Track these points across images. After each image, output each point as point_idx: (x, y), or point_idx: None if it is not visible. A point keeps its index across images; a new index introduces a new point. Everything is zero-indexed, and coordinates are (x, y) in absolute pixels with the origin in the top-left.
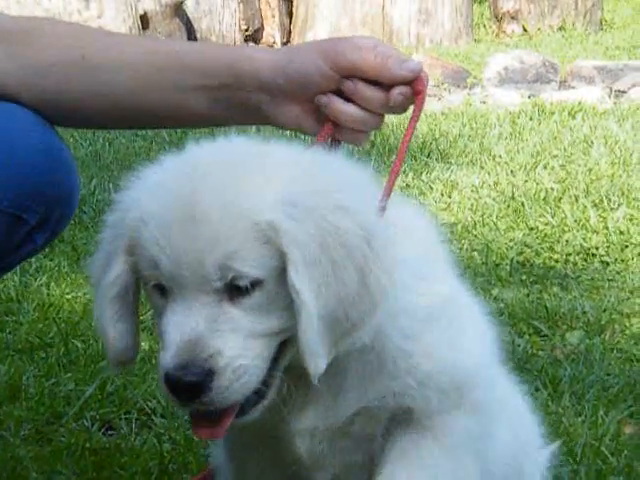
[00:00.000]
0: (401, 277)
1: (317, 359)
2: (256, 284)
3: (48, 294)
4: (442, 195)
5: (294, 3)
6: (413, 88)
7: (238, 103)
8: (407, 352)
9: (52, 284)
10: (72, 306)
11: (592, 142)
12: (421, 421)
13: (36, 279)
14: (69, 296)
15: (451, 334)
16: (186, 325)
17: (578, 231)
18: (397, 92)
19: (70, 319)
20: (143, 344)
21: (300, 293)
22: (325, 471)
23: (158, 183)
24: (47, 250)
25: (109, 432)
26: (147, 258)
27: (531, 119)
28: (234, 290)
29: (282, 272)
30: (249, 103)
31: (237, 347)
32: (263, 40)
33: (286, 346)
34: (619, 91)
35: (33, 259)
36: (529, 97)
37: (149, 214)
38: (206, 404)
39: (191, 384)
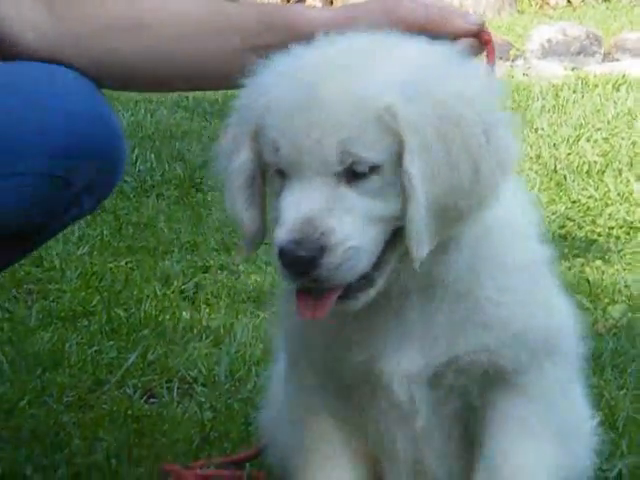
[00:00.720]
0: (503, 234)
1: (421, 245)
2: (374, 169)
3: (91, 263)
4: None
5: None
6: (480, 39)
7: (268, 49)
8: (502, 304)
9: (95, 253)
10: (114, 275)
11: (636, 115)
12: (514, 381)
13: (79, 248)
14: (111, 265)
15: (545, 292)
16: (303, 204)
17: (621, 204)
18: (467, 44)
19: (112, 288)
20: (184, 313)
21: (412, 178)
22: (419, 419)
23: (284, 71)
24: (89, 219)
25: (150, 400)
26: (269, 143)
27: (574, 92)
28: (352, 174)
29: (399, 158)
30: (278, 46)
31: (350, 228)
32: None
33: (399, 235)
34: None
35: (76, 227)
36: (572, 70)
37: (273, 100)
38: (315, 280)
39: (303, 259)
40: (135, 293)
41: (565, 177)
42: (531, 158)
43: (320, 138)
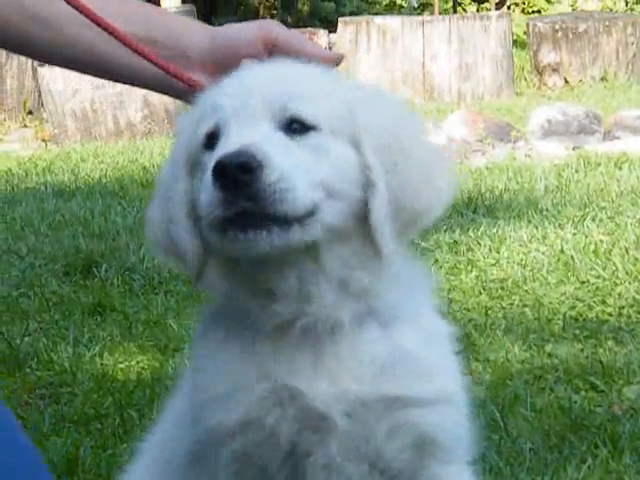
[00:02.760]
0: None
1: (387, 238)
2: (313, 128)
3: (102, 364)
4: (490, 250)
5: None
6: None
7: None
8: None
9: (105, 354)
10: (126, 375)
11: None
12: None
13: (89, 349)
14: (122, 365)
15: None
16: (242, 138)
17: (630, 283)
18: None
19: (124, 388)
20: None
21: (373, 170)
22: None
23: (224, 85)
24: (99, 320)
25: None
26: (205, 114)
27: (577, 171)
28: (291, 128)
29: (340, 134)
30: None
31: (287, 162)
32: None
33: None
34: None
35: (85, 329)
36: (573, 149)
37: (214, 93)
38: (252, 198)
39: (241, 164)
40: (148, 393)
41: (572, 257)
42: (537, 239)
43: (267, 87)
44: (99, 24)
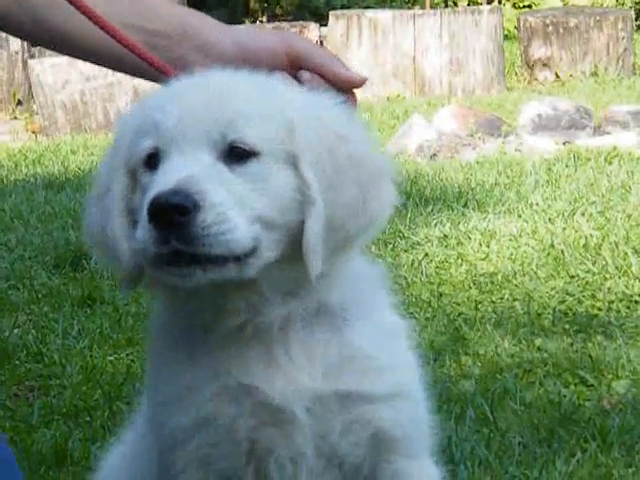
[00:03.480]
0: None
1: (316, 256)
2: (253, 154)
3: (91, 356)
4: (480, 245)
5: None
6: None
7: (168, 54)
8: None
9: (94, 346)
10: (115, 368)
11: (630, 188)
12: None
13: (79, 341)
14: (112, 358)
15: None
16: (180, 169)
17: (620, 278)
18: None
19: (113, 381)
20: None
21: (311, 187)
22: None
23: (165, 99)
24: (88, 312)
25: None
26: (146, 128)
27: (567, 166)
28: (231, 157)
29: (279, 157)
30: (180, 58)
31: (224, 199)
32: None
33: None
34: None
35: (75, 321)
36: (564, 144)
37: (155, 105)
38: (186, 240)
39: (176, 207)
40: (137, 386)
41: (562, 252)
42: (527, 233)
43: (207, 111)
44: (85, 13)
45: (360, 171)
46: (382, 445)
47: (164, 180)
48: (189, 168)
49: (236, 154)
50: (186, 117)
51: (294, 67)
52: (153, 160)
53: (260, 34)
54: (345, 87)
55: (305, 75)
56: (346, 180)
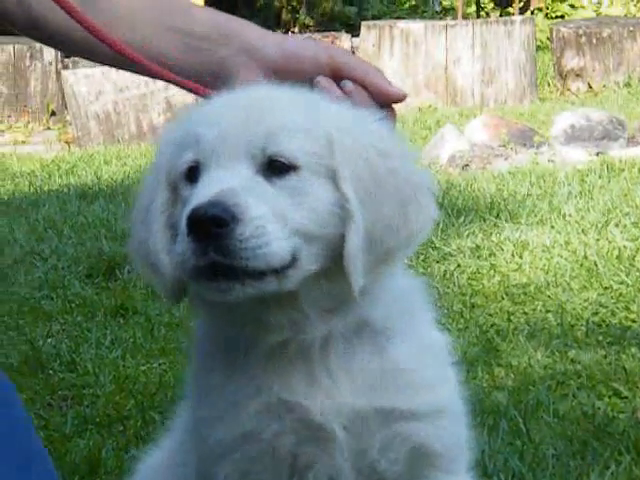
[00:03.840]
0: (416, 309)
1: (358, 273)
2: (292, 168)
3: (124, 366)
4: (513, 256)
5: None
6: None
7: (209, 57)
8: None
9: (127, 356)
10: (148, 377)
11: None
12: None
13: (112, 351)
14: (144, 367)
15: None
16: (219, 182)
17: None
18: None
19: (146, 390)
20: None
21: (350, 202)
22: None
23: (208, 108)
24: (121, 322)
25: None
26: (187, 142)
27: (600, 177)
28: (270, 170)
29: (319, 171)
30: (222, 59)
31: (264, 213)
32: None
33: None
34: None
35: (108, 331)
36: (597, 154)
37: (197, 119)
38: (224, 253)
39: (215, 218)
40: (169, 395)
41: (596, 263)
42: (560, 245)
43: (247, 124)
44: (104, 40)
45: (400, 186)
46: (421, 460)
47: (203, 193)
48: (228, 181)
49: (275, 167)
50: (226, 130)
51: (336, 77)
52: (193, 173)
53: (304, 42)
54: (386, 101)
55: (348, 85)
56: (386, 195)
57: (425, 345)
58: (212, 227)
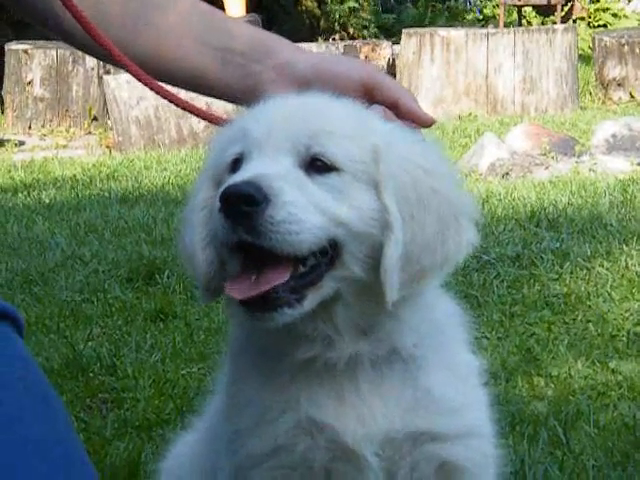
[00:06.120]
0: (450, 331)
1: (394, 286)
2: (334, 169)
3: (163, 370)
4: (553, 265)
5: (397, 75)
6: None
7: (242, 71)
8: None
9: (167, 360)
10: (187, 382)
11: None
12: None
13: (151, 355)
14: (184, 371)
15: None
16: (259, 168)
17: None
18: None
19: (186, 395)
20: None
21: (391, 214)
22: None
23: (256, 111)
24: (161, 326)
25: None
26: (235, 137)
27: None
28: (312, 167)
29: (361, 178)
30: (254, 74)
31: (297, 199)
32: None
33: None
34: None
35: (148, 335)
36: (639, 164)
37: (247, 118)
38: (255, 232)
39: (247, 195)
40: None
41: (637, 274)
42: (601, 254)
43: (295, 123)
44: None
45: (442, 207)
46: (449, 477)
47: (241, 174)
48: (268, 168)
49: (317, 167)
50: (273, 126)
51: (368, 96)
52: (237, 164)
53: (338, 58)
54: (416, 124)
55: (377, 109)
56: (427, 214)
57: (457, 370)
58: (242, 205)
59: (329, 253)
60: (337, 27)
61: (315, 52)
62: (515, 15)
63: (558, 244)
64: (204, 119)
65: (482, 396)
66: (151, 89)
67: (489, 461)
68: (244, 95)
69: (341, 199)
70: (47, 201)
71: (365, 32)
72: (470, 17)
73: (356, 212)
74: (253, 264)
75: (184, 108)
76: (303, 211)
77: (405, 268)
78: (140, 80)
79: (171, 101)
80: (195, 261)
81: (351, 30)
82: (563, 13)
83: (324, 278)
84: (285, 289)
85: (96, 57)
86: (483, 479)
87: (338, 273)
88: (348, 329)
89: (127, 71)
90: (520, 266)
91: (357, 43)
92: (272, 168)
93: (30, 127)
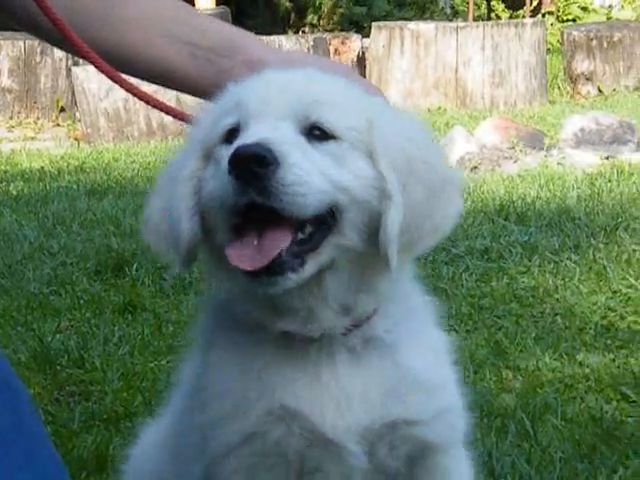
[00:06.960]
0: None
1: (394, 253)
2: (333, 138)
3: (132, 363)
4: (522, 258)
5: (367, 68)
6: None
7: (214, 67)
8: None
9: (135, 353)
10: (155, 374)
11: None
12: (439, 460)
13: (119, 348)
14: (152, 364)
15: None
16: (263, 133)
17: None
18: None
19: (154, 387)
20: None
21: (389, 182)
22: None
23: (249, 83)
24: (130, 318)
25: None
26: (228, 108)
27: (610, 181)
28: (311, 135)
29: (358, 146)
30: (226, 71)
31: (303, 162)
32: None
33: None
34: None
35: (116, 327)
36: (607, 158)
37: (239, 89)
38: (265, 193)
39: (259, 156)
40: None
41: (605, 267)
42: (569, 248)
43: (293, 91)
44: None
45: (432, 177)
46: (421, 451)
47: (247, 137)
48: (271, 133)
49: (316, 135)
50: (272, 96)
51: None
52: (232, 135)
53: (306, 56)
54: None
55: (364, 82)
56: (419, 183)
57: (433, 349)
58: (254, 165)
59: (328, 220)
60: (307, 20)
61: (285, 47)
62: (484, 9)
63: (526, 237)
64: (172, 115)
65: (453, 372)
66: (121, 86)
67: (458, 434)
68: (214, 90)
69: (341, 166)
70: (15, 193)
71: (335, 25)
72: (438, 12)
73: (357, 179)
74: (254, 229)
75: (152, 105)
76: (309, 174)
77: (402, 236)
78: (107, 75)
79: (137, 96)
80: (180, 229)
81: (321, 23)
82: (532, 7)
83: (322, 244)
84: (288, 253)
85: (64, 50)
86: (454, 449)
87: (336, 240)
88: (333, 303)
89: (94, 65)
90: (489, 259)
91: (327, 36)
92: (276, 133)
93: None
